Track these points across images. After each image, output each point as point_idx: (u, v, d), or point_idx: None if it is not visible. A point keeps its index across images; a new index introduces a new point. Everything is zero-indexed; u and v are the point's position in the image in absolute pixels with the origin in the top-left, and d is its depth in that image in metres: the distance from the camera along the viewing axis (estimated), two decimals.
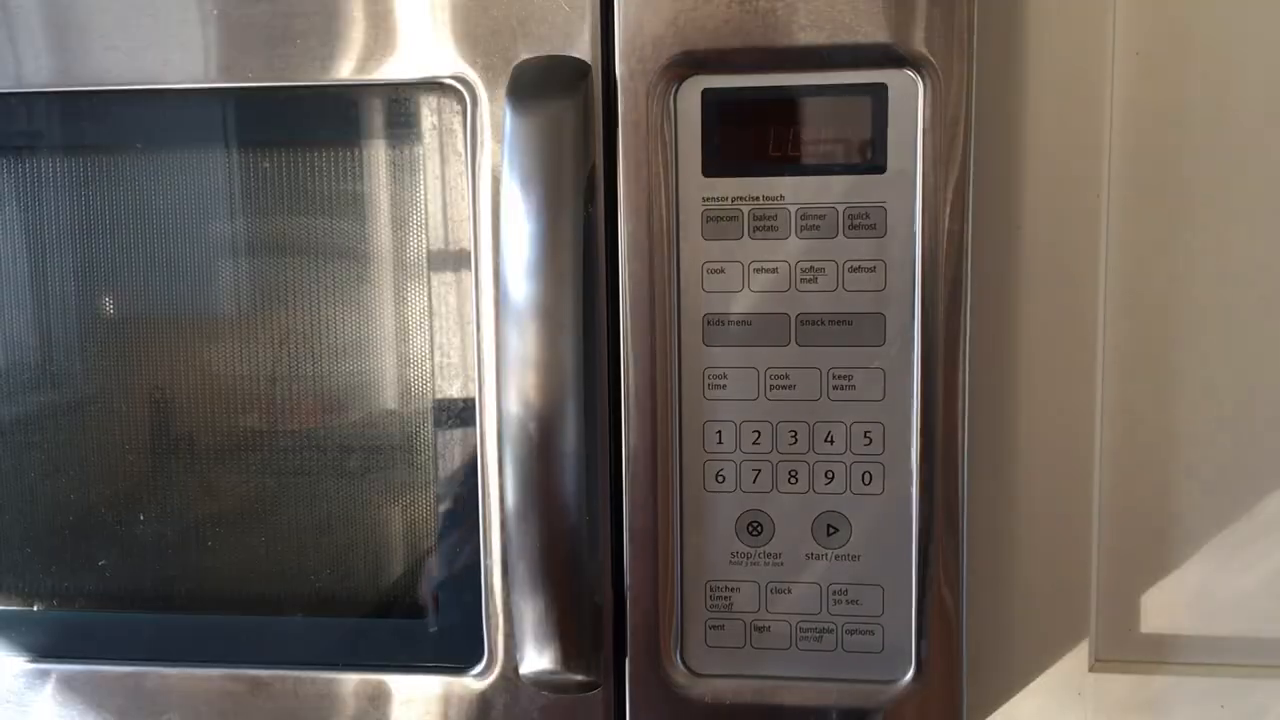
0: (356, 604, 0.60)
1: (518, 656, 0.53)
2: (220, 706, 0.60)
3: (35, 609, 0.62)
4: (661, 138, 0.53)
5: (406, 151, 0.56)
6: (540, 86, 0.52)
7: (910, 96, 0.52)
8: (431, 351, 0.57)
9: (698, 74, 0.53)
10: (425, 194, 0.56)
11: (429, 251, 0.57)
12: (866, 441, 0.54)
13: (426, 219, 0.56)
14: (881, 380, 0.54)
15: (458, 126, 0.55)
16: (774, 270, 0.54)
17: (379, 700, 0.59)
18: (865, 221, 0.53)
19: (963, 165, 0.52)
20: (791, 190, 0.53)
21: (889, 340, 0.53)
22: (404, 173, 0.56)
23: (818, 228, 0.53)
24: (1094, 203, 0.61)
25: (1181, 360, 0.62)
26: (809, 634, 0.56)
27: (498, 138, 0.53)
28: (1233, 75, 0.60)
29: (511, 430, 0.51)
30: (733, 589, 0.56)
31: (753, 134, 0.53)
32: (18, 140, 0.59)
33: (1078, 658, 0.64)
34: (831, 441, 0.54)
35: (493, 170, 0.54)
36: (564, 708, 0.57)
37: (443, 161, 0.56)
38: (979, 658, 0.62)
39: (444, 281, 0.57)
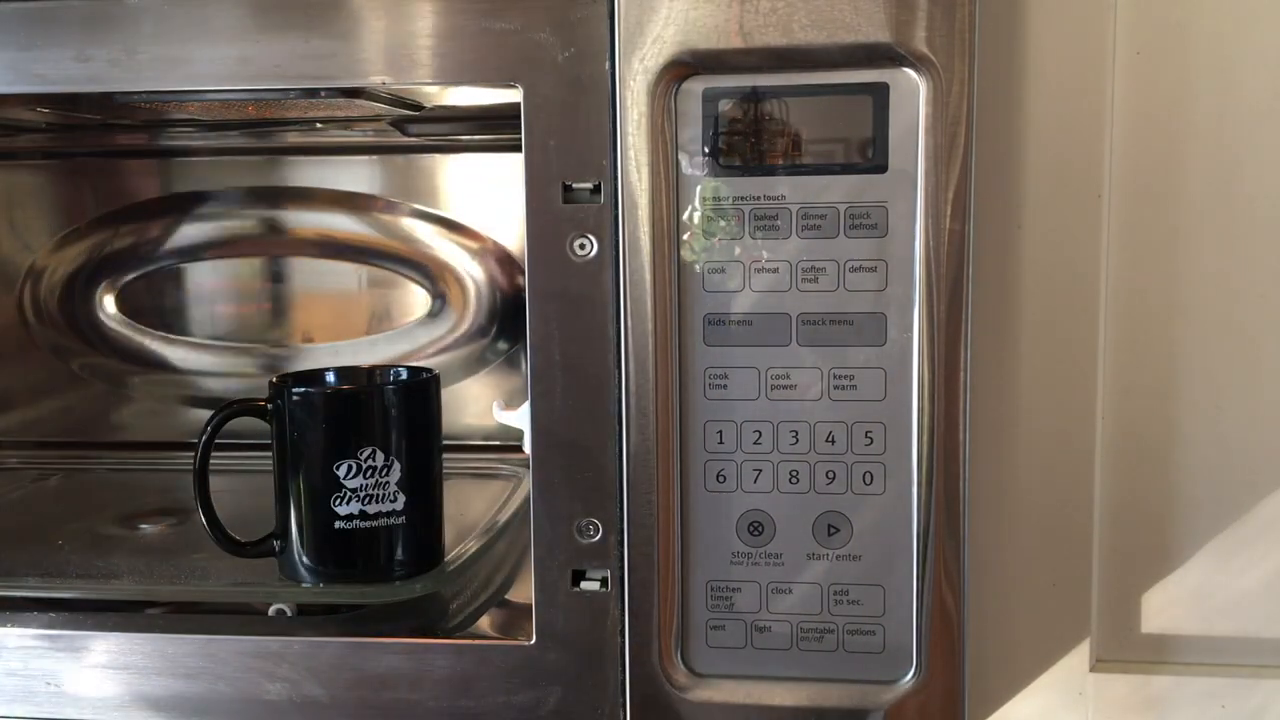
0: None
1: None
2: None
3: None
4: (662, 137, 0.53)
5: None
6: None
7: (911, 96, 0.52)
8: None
9: (698, 74, 0.53)
10: None
11: None
12: (867, 441, 0.54)
13: None
14: (882, 380, 0.54)
15: None
16: (775, 270, 0.54)
17: None
18: (866, 221, 0.53)
19: (964, 165, 0.52)
20: (792, 190, 0.53)
21: (890, 340, 0.53)
22: None
23: (819, 227, 0.53)
24: (1094, 202, 0.61)
25: (1182, 360, 0.62)
26: (810, 634, 0.56)
27: None
28: (1233, 75, 0.60)
29: None
30: (733, 589, 0.56)
31: (753, 134, 0.53)
32: None
33: (1078, 658, 0.64)
34: (832, 441, 0.54)
35: None
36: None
37: None
38: (979, 658, 0.62)
39: None
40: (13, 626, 0.61)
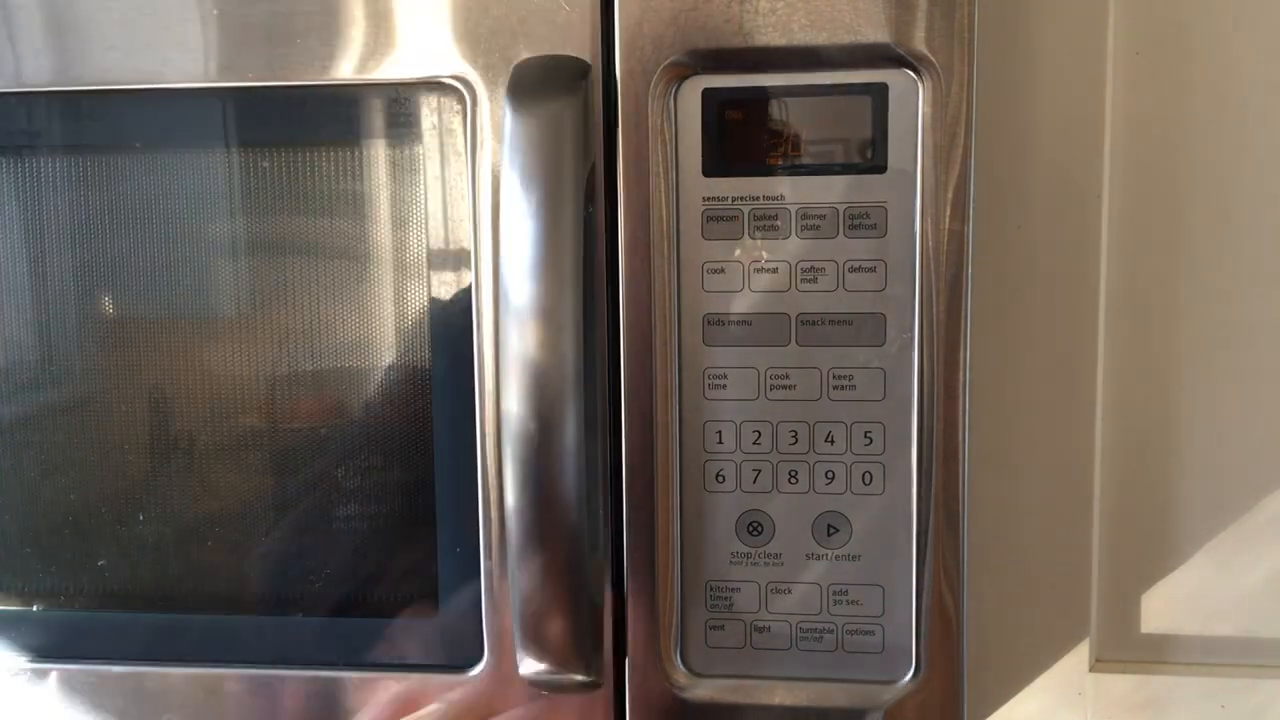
0: (356, 604, 0.60)
1: (517, 657, 0.53)
2: (219, 707, 0.60)
3: (35, 608, 0.62)
4: (662, 137, 0.53)
5: (406, 151, 0.56)
6: (540, 85, 0.51)
7: (910, 96, 0.52)
8: (431, 352, 0.57)
9: (698, 74, 0.53)
10: (425, 194, 0.56)
11: (429, 251, 0.56)
12: (867, 441, 0.54)
13: (427, 219, 0.56)
14: (881, 380, 0.54)
15: (458, 126, 0.55)
16: (774, 270, 0.54)
17: (380, 699, 0.59)
18: (865, 221, 0.53)
19: (963, 165, 0.52)
20: (791, 190, 0.53)
21: (889, 340, 0.53)
22: (404, 172, 0.56)
23: (818, 227, 0.53)
24: (1094, 202, 0.61)
25: (1181, 360, 0.62)
26: (809, 634, 0.56)
27: (498, 137, 0.53)
28: (1232, 75, 0.60)
29: (512, 430, 0.50)
30: (733, 589, 0.56)
31: (753, 134, 0.53)
32: (18, 140, 0.59)
33: (1078, 658, 0.64)
34: (832, 441, 0.54)
35: (493, 170, 0.54)
36: (564, 708, 0.57)
37: (443, 161, 0.55)
38: (979, 658, 0.62)
39: (444, 281, 0.57)
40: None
